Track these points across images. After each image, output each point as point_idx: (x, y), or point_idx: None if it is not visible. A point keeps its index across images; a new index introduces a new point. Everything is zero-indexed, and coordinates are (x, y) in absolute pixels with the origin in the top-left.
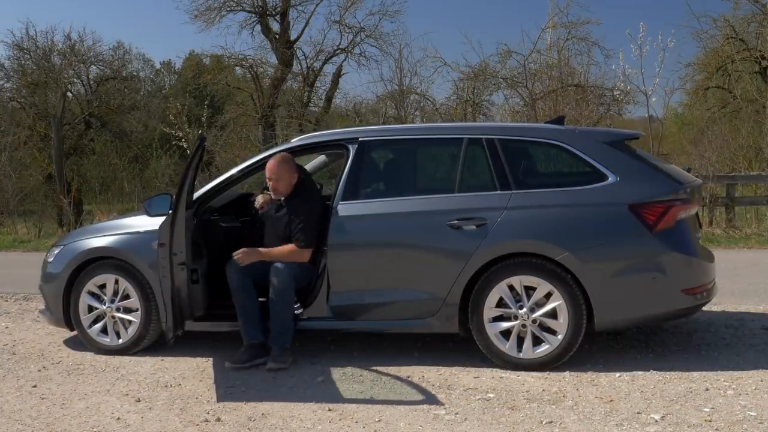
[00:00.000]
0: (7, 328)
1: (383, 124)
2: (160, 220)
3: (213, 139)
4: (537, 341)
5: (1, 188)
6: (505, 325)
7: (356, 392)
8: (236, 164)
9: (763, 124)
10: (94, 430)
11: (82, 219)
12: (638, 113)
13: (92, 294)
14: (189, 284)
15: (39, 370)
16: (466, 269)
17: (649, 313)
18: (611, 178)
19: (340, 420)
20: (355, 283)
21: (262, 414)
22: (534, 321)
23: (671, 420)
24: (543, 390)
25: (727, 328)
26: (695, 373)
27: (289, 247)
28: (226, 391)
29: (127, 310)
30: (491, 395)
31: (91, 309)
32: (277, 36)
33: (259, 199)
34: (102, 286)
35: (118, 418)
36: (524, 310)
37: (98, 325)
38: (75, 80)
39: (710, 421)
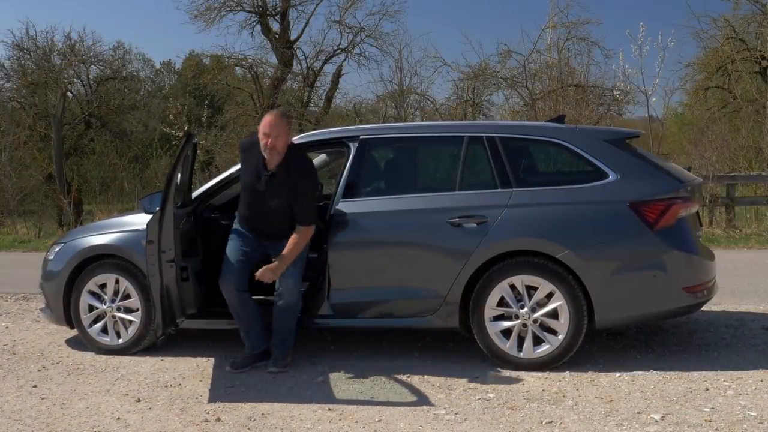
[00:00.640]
0: (7, 328)
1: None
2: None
3: (213, 139)
4: (537, 341)
5: (1, 188)
6: (506, 324)
7: (356, 392)
8: (236, 163)
9: (763, 124)
10: (94, 430)
11: (82, 219)
12: (638, 113)
13: (93, 293)
14: (179, 282)
15: (39, 370)
16: (466, 267)
17: (650, 311)
18: (612, 177)
19: (340, 420)
20: (356, 280)
21: (262, 414)
22: (535, 321)
23: (671, 420)
24: (543, 390)
25: (727, 328)
26: (695, 373)
27: (300, 237)
28: (226, 391)
29: (128, 310)
30: (491, 395)
31: (91, 308)
32: (277, 36)
33: None
34: (102, 286)
35: (118, 418)
36: (525, 309)
37: (98, 325)
38: (75, 80)
39: (710, 421)
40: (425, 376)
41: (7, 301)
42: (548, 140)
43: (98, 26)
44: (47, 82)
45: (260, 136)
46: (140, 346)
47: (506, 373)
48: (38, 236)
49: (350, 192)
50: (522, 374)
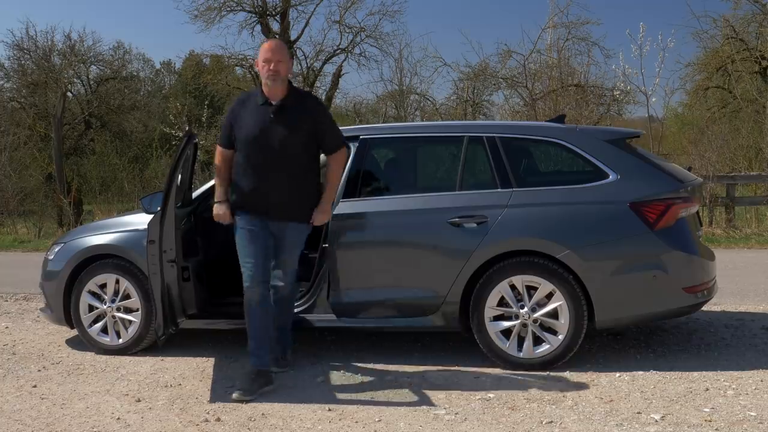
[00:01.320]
0: (7, 328)
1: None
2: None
3: (213, 139)
4: (537, 341)
5: (1, 188)
6: (506, 324)
7: (356, 392)
8: None
9: (763, 124)
10: (94, 430)
11: (82, 219)
12: (638, 113)
13: (93, 293)
14: (180, 282)
15: (39, 370)
16: (466, 267)
17: (650, 311)
18: (612, 177)
19: (340, 420)
20: (356, 280)
21: (262, 414)
22: (535, 321)
23: (671, 420)
24: (543, 390)
25: (727, 328)
26: (695, 373)
27: (336, 165)
28: (226, 391)
29: (128, 310)
30: (491, 395)
31: (91, 308)
32: (277, 36)
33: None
34: (103, 286)
35: (118, 418)
36: (525, 309)
37: (98, 325)
38: (75, 80)
39: (710, 421)
40: (425, 376)
41: (7, 301)
42: (548, 140)
43: (98, 26)
44: (47, 82)
45: (260, 64)
46: (140, 346)
47: (506, 373)
48: (38, 236)
49: (351, 192)
50: (522, 374)
